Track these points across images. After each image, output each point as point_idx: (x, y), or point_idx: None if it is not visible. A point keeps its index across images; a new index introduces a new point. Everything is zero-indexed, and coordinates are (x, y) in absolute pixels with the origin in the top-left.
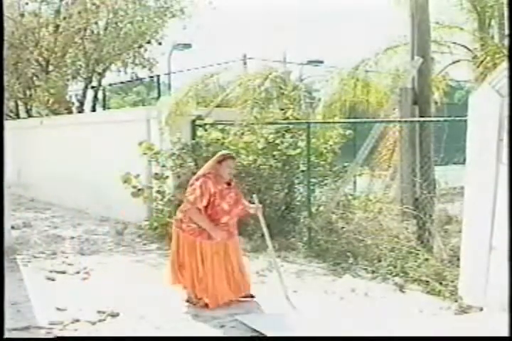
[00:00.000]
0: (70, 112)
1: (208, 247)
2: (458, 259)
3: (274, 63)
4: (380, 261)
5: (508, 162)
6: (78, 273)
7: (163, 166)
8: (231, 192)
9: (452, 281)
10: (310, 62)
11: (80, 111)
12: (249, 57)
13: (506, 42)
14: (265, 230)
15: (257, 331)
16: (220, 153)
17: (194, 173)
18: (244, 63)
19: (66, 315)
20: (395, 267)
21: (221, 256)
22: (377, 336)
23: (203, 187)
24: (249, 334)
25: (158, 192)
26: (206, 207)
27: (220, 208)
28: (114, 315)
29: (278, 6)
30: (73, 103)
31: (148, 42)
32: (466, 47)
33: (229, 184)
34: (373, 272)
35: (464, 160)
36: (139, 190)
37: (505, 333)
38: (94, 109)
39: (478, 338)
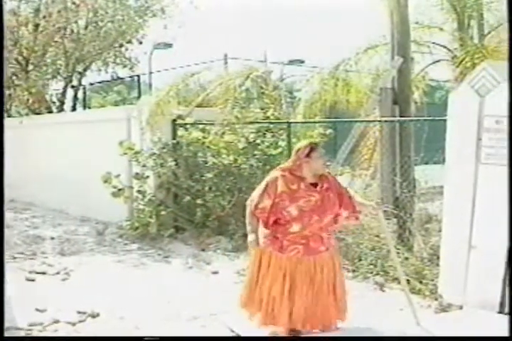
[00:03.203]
0: (50, 112)
1: (278, 262)
2: (438, 258)
3: (255, 63)
4: (360, 260)
5: (508, 162)
6: (58, 273)
7: (144, 166)
8: (313, 195)
9: (432, 280)
10: (291, 62)
11: (60, 110)
12: (230, 56)
13: (485, 42)
14: (390, 243)
15: (234, 331)
16: (303, 144)
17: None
18: (225, 63)
19: (46, 315)
20: (375, 266)
21: (294, 276)
22: (376, 336)
23: (269, 185)
24: (229, 334)
25: (138, 192)
26: (271, 209)
27: (286, 213)
28: (94, 316)
29: (259, 5)
30: (54, 102)
31: (129, 41)
32: (445, 47)
33: (316, 185)
34: (354, 271)
35: (444, 159)
36: (120, 189)
37: (485, 331)
38: (74, 109)
39: (478, 338)
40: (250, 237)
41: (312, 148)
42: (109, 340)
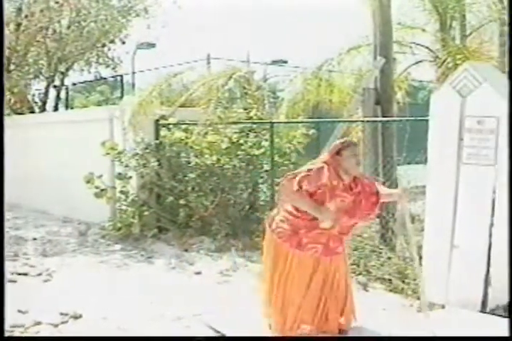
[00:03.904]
0: (33, 112)
1: (296, 260)
2: (420, 257)
3: (238, 63)
4: None
5: (508, 162)
6: (40, 274)
7: (127, 166)
8: (347, 197)
9: (414, 279)
10: (274, 62)
11: (42, 110)
12: (213, 56)
13: (467, 43)
14: (410, 230)
15: (219, 332)
16: (338, 142)
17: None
18: (208, 63)
19: (28, 317)
20: (358, 266)
21: (311, 277)
22: (376, 336)
23: (316, 172)
24: (213, 334)
25: (121, 192)
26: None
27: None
28: (76, 317)
29: (242, 6)
30: (36, 102)
31: (112, 41)
32: (427, 47)
33: (350, 187)
34: None
35: (426, 159)
36: (102, 190)
37: (467, 330)
38: (56, 109)
39: (478, 338)
40: (324, 212)
41: (344, 146)
42: (109, 340)
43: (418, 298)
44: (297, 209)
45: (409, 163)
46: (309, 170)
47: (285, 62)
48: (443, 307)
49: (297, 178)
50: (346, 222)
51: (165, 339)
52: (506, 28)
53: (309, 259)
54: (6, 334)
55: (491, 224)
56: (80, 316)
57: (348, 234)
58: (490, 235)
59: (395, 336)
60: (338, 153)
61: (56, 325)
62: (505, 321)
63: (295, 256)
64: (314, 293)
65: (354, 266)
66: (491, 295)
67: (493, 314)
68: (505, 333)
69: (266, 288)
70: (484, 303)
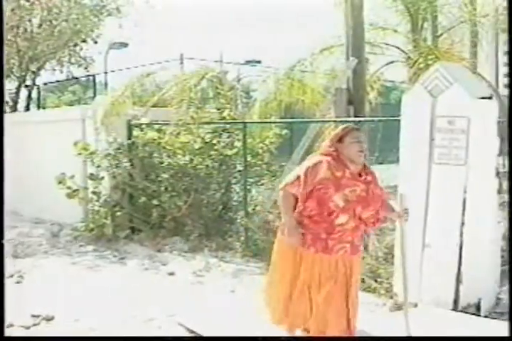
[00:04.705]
0: (3, 112)
1: (310, 258)
2: (392, 257)
3: (211, 63)
4: None
5: (508, 162)
6: (12, 276)
7: (99, 166)
8: (358, 185)
9: (387, 278)
10: (247, 62)
11: (14, 110)
12: (186, 56)
13: (438, 43)
14: (403, 249)
15: (194, 331)
16: (339, 128)
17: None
18: (181, 63)
19: None
20: None
21: (347, 280)
22: (376, 336)
23: (309, 170)
24: (187, 334)
25: (93, 193)
26: (309, 197)
27: (332, 202)
28: (48, 319)
29: (215, 6)
30: (7, 102)
31: (84, 40)
32: (399, 48)
33: (361, 174)
34: None
35: (398, 159)
36: (74, 190)
37: (440, 328)
38: (28, 109)
39: (478, 338)
40: (291, 234)
41: (346, 132)
42: (112, 340)
43: (391, 297)
44: (310, 210)
45: (381, 163)
46: (307, 168)
47: (258, 62)
48: (415, 305)
49: (301, 186)
50: (361, 212)
51: (141, 340)
52: (476, 29)
53: (339, 261)
54: None
55: (462, 224)
56: (52, 318)
57: (368, 231)
58: (461, 234)
59: (393, 336)
60: (340, 140)
61: (28, 327)
62: (477, 319)
63: (323, 260)
64: (339, 296)
65: None
66: (463, 294)
67: (465, 312)
68: (477, 332)
69: (283, 295)
70: (456, 302)
